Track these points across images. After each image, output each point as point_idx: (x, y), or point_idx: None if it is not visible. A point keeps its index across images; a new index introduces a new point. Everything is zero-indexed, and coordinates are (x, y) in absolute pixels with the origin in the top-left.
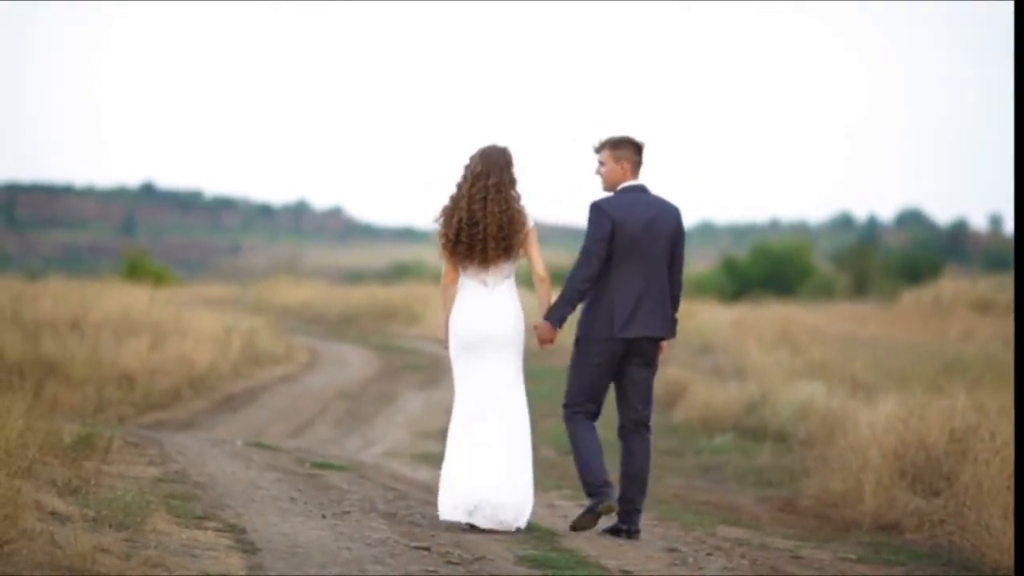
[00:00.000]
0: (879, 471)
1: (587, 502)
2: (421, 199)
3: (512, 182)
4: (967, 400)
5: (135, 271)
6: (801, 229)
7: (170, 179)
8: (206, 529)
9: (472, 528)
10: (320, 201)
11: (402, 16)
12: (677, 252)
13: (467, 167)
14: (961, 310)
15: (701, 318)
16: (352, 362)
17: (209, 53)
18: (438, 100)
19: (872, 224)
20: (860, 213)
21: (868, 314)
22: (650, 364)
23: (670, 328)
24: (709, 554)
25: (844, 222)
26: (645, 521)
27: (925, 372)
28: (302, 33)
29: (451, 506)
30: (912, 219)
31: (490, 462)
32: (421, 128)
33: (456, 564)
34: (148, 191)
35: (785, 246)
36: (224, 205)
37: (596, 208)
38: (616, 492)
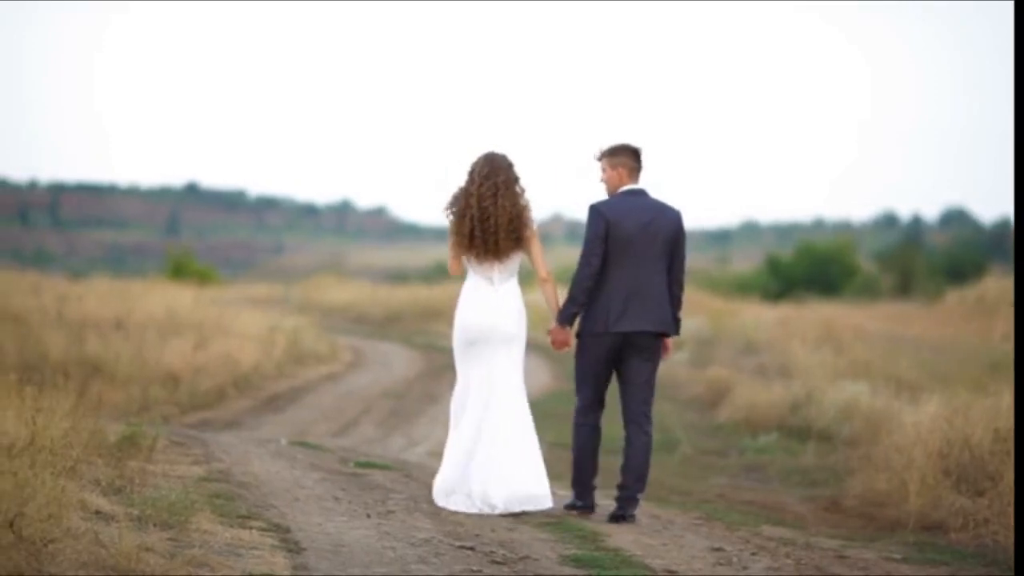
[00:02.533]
0: (924, 471)
1: (574, 496)
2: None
3: (517, 179)
4: (1012, 399)
5: (179, 271)
6: (845, 228)
7: (214, 179)
8: (250, 528)
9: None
10: (364, 201)
11: (448, 16)
12: (677, 253)
13: (472, 171)
14: (1006, 309)
15: (745, 317)
16: (396, 361)
17: (254, 53)
18: (482, 101)
19: (916, 223)
20: (904, 212)
21: (912, 313)
22: (649, 359)
23: (667, 325)
24: (754, 553)
25: (888, 221)
26: (690, 520)
27: (969, 371)
28: (348, 33)
29: (444, 492)
30: (957, 218)
31: (486, 454)
32: (465, 129)
33: (500, 564)
34: (192, 191)
35: (829, 245)
36: (268, 205)
37: (593, 210)
38: (595, 500)
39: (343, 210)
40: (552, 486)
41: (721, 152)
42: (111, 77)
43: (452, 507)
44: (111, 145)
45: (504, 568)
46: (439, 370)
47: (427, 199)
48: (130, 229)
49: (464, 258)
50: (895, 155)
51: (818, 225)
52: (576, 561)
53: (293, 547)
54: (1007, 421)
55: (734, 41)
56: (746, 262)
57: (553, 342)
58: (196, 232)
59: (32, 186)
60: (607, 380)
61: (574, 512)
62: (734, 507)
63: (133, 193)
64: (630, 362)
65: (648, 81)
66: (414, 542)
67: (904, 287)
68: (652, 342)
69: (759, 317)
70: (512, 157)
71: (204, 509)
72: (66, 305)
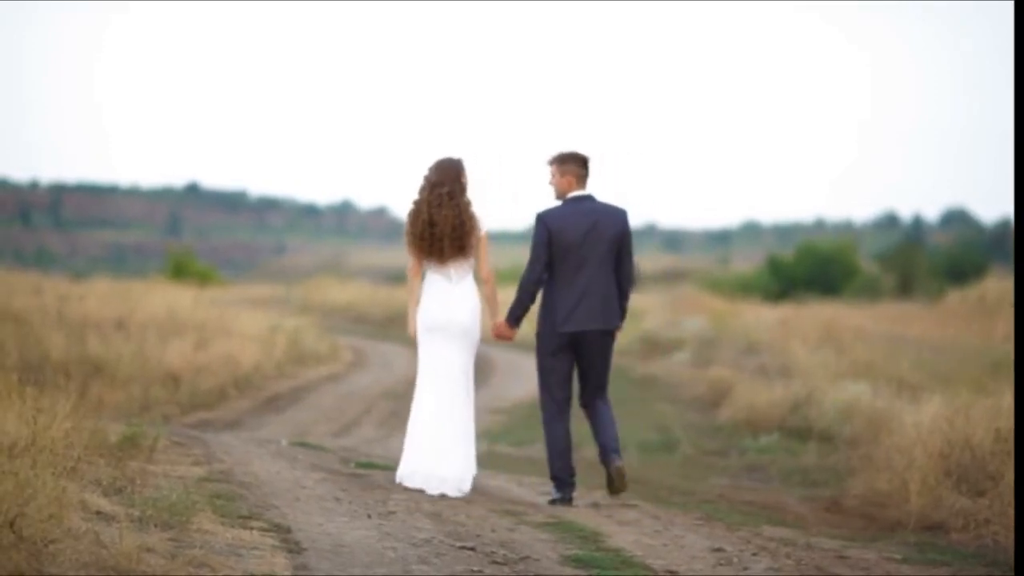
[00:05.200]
0: (924, 471)
1: (554, 490)
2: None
3: (462, 190)
4: (1012, 400)
5: (180, 271)
6: (846, 229)
7: (215, 179)
8: (251, 529)
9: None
10: (365, 201)
11: (448, 16)
12: (624, 251)
13: (426, 177)
14: (1007, 309)
15: (746, 318)
16: (397, 362)
17: (254, 53)
18: (484, 101)
19: (917, 224)
20: (905, 213)
21: (913, 314)
22: (600, 352)
23: (613, 319)
24: (754, 554)
25: (889, 222)
26: (691, 521)
27: (970, 372)
28: (347, 33)
29: (408, 472)
30: (957, 218)
31: (441, 437)
32: (467, 129)
33: (501, 564)
34: (193, 191)
35: (830, 246)
36: (269, 205)
37: (537, 219)
38: (575, 486)
39: (344, 210)
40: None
41: (722, 152)
42: (111, 77)
43: (409, 485)
44: (112, 145)
45: (505, 568)
46: None
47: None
48: (131, 229)
49: (423, 260)
50: (896, 155)
51: (819, 225)
52: (577, 561)
53: (294, 547)
54: (1008, 421)
55: (734, 41)
56: (747, 262)
57: (495, 334)
58: (197, 232)
59: (33, 186)
60: (569, 374)
61: (556, 505)
62: (735, 507)
63: (134, 193)
64: (583, 356)
65: (649, 82)
66: (415, 542)
67: (905, 287)
68: (602, 337)
69: (760, 317)
70: (464, 164)
71: (205, 509)
72: (67, 305)
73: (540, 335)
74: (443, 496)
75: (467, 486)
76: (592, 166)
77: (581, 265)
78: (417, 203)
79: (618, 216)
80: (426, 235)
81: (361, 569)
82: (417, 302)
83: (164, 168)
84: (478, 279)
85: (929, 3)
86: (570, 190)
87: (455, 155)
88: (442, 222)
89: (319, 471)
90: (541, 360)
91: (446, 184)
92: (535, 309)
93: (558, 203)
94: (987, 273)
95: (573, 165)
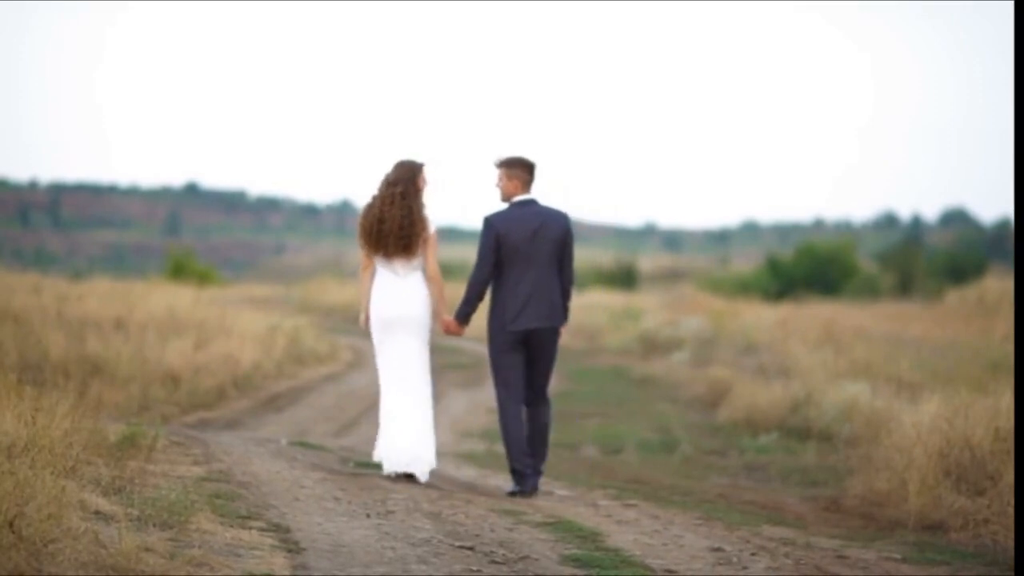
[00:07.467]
0: (924, 470)
1: (513, 483)
2: (463, 199)
3: (416, 193)
4: (1012, 399)
5: (180, 271)
6: (845, 229)
7: (215, 179)
8: (250, 528)
9: (399, 478)
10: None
11: (449, 16)
12: (566, 253)
13: (386, 175)
14: (1006, 309)
15: (746, 317)
16: None
17: (254, 53)
18: (483, 101)
19: (916, 223)
20: (904, 212)
21: (913, 313)
22: (547, 348)
23: (559, 318)
24: (754, 553)
25: (888, 221)
26: (690, 520)
27: (970, 371)
28: (347, 33)
29: (385, 459)
30: (957, 218)
31: (405, 424)
32: (466, 129)
33: (500, 564)
34: (193, 191)
35: (829, 246)
36: (268, 205)
37: (485, 222)
38: (537, 476)
39: (343, 210)
40: (552, 485)
41: (721, 152)
42: (111, 77)
43: (387, 470)
44: (111, 145)
45: (504, 568)
46: (439, 370)
47: (428, 199)
48: (130, 229)
49: (371, 254)
50: (895, 155)
51: (818, 225)
52: (576, 561)
53: (293, 547)
54: (1007, 421)
55: (734, 41)
56: (746, 262)
57: (445, 330)
58: (197, 232)
59: (32, 186)
60: (518, 369)
61: (516, 498)
62: (734, 507)
63: (133, 193)
64: (532, 353)
65: (649, 81)
66: (414, 542)
67: (904, 287)
68: (549, 334)
69: (759, 317)
70: (423, 167)
71: (204, 509)
72: (66, 305)
73: (491, 333)
74: (405, 474)
75: (422, 465)
76: (537, 172)
77: (528, 266)
78: (373, 198)
79: (561, 219)
80: (373, 231)
81: (360, 569)
82: (368, 294)
83: (163, 168)
84: (427, 276)
85: (929, 3)
86: (516, 194)
87: (418, 158)
88: (389, 220)
89: (318, 471)
90: (495, 357)
91: (400, 184)
92: (483, 307)
93: (504, 206)
94: (986, 273)
95: (520, 170)
